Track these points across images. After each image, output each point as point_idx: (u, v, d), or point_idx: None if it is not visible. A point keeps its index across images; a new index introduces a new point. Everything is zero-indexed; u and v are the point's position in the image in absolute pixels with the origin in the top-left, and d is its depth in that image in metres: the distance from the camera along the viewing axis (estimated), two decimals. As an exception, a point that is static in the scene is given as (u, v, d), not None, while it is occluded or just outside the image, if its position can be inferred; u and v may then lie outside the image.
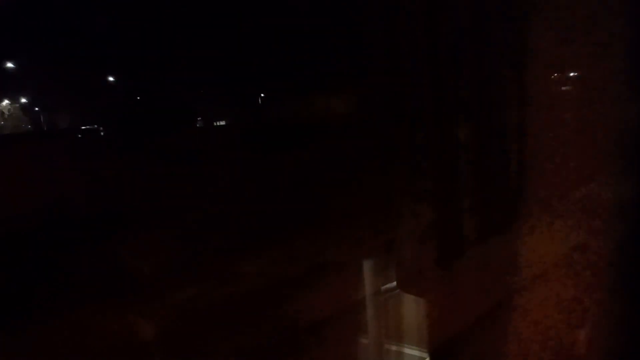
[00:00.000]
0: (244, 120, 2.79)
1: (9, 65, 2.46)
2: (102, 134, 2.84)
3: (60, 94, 2.71)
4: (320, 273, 2.40)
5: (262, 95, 2.72)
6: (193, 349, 2.07)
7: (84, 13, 2.40)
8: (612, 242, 1.76)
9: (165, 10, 2.44)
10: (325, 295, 2.38)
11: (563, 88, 1.90)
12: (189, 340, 2.14)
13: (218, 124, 2.98)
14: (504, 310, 1.94)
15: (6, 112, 2.66)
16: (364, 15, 2.03)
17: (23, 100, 2.66)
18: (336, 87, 2.44)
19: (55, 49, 2.46)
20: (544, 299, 1.89)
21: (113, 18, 2.36)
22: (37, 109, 2.70)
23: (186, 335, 2.14)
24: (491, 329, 1.97)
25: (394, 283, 2.35)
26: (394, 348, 2.41)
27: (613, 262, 1.72)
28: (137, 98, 2.82)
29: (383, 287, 2.37)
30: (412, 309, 2.34)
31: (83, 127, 2.85)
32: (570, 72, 1.93)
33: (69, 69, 2.54)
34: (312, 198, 2.47)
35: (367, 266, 2.37)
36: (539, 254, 1.94)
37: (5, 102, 2.67)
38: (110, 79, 2.68)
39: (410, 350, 2.38)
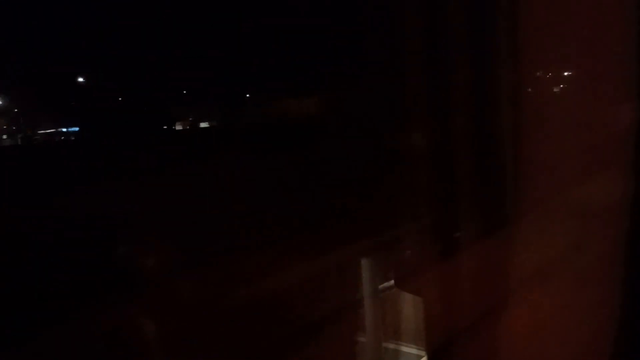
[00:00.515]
0: (232, 122, 2.71)
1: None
2: (73, 137, 2.71)
3: (31, 95, 2.57)
4: (317, 273, 2.38)
5: (250, 95, 2.64)
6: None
7: (59, 9, 2.27)
8: (611, 242, 1.78)
9: (145, 7, 2.33)
10: (323, 294, 2.36)
11: (562, 88, 1.89)
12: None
13: (202, 125, 2.88)
14: (502, 309, 1.96)
15: None
16: (362, 15, 1.97)
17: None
18: (333, 87, 2.39)
19: (26, 48, 2.33)
20: (543, 298, 1.91)
21: (91, 15, 2.24)
22: (16, 110, 2.56)
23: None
24: (489, 328, 1.98)
25: (392, 282, 2.36)
26: (392, 346, 2.42)
27: (612, 262, 1.75)
28: (118, 99, 2.70)
29: (381, 286, 2.37)
30: (410, 307, 2.35)
31: (43, 132, 2.71)
32: (567, 72, 1.92)
33: (40, 68, 2.41)
34: (308, 199, 2.43)
35: (365, 265, 2.36)
36: (538, 254, 1.95)
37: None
38: (87, 79, 2.55)
39: (408, 349, 2.40)
